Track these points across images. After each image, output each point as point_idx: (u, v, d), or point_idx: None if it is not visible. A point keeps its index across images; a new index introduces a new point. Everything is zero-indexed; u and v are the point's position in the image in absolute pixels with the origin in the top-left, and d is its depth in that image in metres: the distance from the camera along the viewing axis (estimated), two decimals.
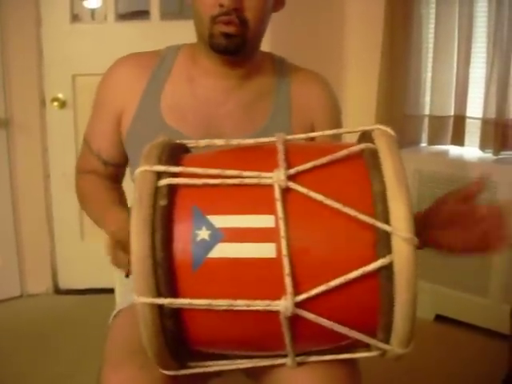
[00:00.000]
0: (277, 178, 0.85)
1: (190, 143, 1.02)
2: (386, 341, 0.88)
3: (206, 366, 0.96)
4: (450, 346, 2.62)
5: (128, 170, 1.43)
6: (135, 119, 1.32)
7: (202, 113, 1.30)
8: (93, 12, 3.17)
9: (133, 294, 0.82)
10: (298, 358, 0.94)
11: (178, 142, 1.00)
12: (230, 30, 1.20)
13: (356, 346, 0.98)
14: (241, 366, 0.97)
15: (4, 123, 2.94)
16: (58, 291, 3.19)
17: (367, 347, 0.96)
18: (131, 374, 1.04)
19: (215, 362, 0.97)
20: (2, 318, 2.88)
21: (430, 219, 1.03)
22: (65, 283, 3.19)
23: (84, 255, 3.09)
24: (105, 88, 1.37)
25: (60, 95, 3.00)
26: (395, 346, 0.88)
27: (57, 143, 3.04)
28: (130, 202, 1.05)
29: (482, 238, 0.99)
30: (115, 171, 1.41)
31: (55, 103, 2.98)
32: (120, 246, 1.02)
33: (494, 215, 0.99)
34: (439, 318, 2.80)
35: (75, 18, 3.02)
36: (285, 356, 0.94)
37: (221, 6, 1.18)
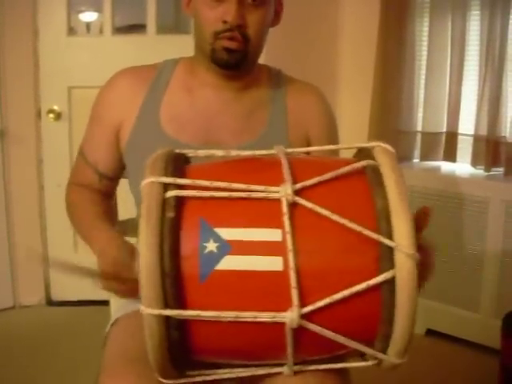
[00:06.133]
0: (284, 192, 0.86)
1: (189, 153, 1.02)
2: (383, 351, 0.90)
3: (205, 375, 0.96)
4: (440, 360, 2.64)
5: (127, 182, 1.42)
6: (134, 130, 1.33)
7: (200, 123, 1.32)
8: (88, 25, 3.19)
9: (139, 304, 0.83)
10: (296, 367, 0.95)
11: (177, 151, 1.00)
12: (233, 45, 1.22)
13: (352, 355, 0.99)
14: (240, 375, 0.97)
15: None
16: (50, 303, 3.18)
17: (362, 357, 0.98)
18: (129, 382, 1.04)
19: (214, 371, 0.96)
20: None
21: None
22: (57, 295, 3.18)
23: None
24: (103, 101, 1.38)
25: (55, 107, 3.01)
26: (392, 356, 0.90)
27: (51, 155, 3.05)
28: (128, 213, 1.05)
29: None
30: (109, 185, 1.42)
31: (51, 115, 3.00)
32: (111, 276, 1.04)
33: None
34: (430, 333, 2.81)
35: (71, 30, 3.04)
36: (282, 365, 0.95)
37: (224, 22, 1.21)
